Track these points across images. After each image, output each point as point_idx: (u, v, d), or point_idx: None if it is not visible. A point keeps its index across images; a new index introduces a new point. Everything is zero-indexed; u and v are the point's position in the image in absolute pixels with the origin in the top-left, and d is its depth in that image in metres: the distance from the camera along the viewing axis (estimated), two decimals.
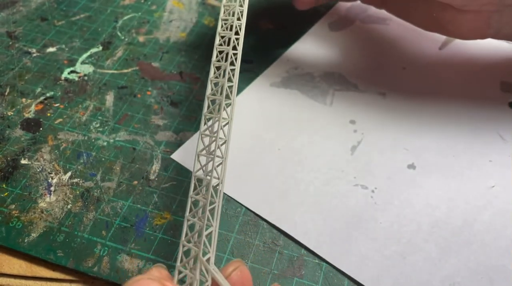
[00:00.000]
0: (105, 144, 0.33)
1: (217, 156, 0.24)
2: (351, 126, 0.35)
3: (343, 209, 0.30)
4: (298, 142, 0.33)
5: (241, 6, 0.29)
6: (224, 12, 0.29)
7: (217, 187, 0.24)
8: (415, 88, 0.37)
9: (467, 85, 0.37)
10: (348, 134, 0.34)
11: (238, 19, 0.28)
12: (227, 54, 0.27)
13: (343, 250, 0.28)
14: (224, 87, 0.26)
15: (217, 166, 0.24)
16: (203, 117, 0.26)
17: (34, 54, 0.39)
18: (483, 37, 0.34)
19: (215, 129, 0.25)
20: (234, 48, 0.27)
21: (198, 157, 0.25)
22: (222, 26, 0.29)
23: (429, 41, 0.41)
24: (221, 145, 0.24)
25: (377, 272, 0.27)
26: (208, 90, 0.27)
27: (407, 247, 0.28)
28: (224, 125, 0.25)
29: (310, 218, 0.29)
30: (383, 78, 0.38)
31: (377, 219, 0.29)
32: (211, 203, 0.23)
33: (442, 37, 0.41)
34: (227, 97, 0.26)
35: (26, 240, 0.28)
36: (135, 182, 0.31)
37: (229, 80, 0.26)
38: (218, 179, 0.24)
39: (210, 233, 0.22)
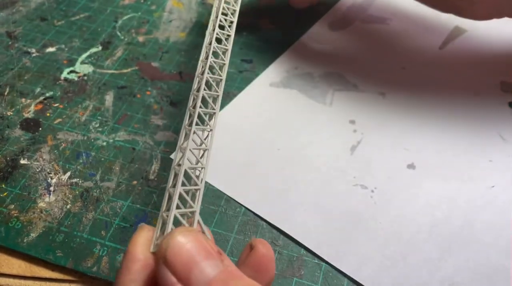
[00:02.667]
0: (104, 143, 0.33)
1: (198, 167, 0.23)
2: (350, 126, 0.34)
3: (343, 209, 0.30)
4: (298, 142, 0.33)
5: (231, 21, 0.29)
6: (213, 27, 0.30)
7: (200, 175, 0.23)
8: (415, 88, 0.37)
9: (467, 85, 0.37)
10: (347, 134, 0.34)
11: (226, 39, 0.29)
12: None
13: (343, 250, 0.28)
14: (198, 99, 0.25)
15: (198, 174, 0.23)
16: (178, 148, 0.24)
17: (34, 54, 0.39)
18: (498, 17, 0.35)
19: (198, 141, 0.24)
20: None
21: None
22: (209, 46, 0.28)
23: (429, 40, 0.41)
24: (201, 156, 0.24)
25: (376, 272, 0.27)
26: (190, 103, 0.26)
27: (406, 247, 0.28)
28: (207, 135, 0.25)
29: (309, 218, 0.29)
30: (383, 78, 0.38)
31: (377, 219, 0.29)
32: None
33: (442, 37, 0.41)
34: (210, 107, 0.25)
35: (25, 240, 0.28)
36: (135, 182, 0.31)
37: (215, 90, 0.26)
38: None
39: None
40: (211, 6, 0.45)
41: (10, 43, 0.40)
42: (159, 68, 0.39)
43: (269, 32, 0.42)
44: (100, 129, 0.34)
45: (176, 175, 0.22)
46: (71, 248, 0.28)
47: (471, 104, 0.36)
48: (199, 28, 0.43)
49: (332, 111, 0.35)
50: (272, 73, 0.38)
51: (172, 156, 0.32)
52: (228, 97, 0.36)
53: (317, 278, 0.27)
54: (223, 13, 0.30)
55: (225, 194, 0.31)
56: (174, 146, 0.33)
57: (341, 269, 0.27)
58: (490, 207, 0.30)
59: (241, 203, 0.30)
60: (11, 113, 0.35)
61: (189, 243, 0.17)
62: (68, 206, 0.30)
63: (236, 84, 0.37)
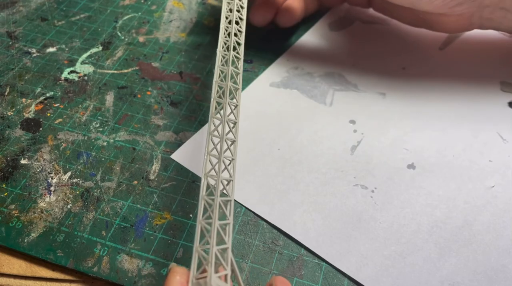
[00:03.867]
0: (105, 143, 0.33)
1: (226, 157, 0.24)
2: (351, 126, 0.35)
3: (343, 209, 0.30)
4: (298, 142, 0.33)
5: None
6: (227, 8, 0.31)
7: (228, 185, 0.24)
8: (415, 88, 0.37)
9: (467, 85, 0.37)
10: (348, 134, 0.34)
11: (238, 10, 0.31)
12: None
13: (343, 250, 0.28)
14: (228, 74, 0.27)
15: (228, 164, 0.24)
16: (210, 117, 0.25)
17: (34, 54, 0.39)
18: (468, 30, 0.37)
19: (223, 130, 0.25)
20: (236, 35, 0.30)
21: (209, 157, 0.24)
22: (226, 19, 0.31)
23: (429, 41, 0.41)
24: (230, 145, 0.25)
25: (376, 272, 0.27)
26: (216, 77, 0.27)
27: (406, 247, 0.28)
28: (234, 109, 0.26)
29: (309, 218, 0.29)
30: (383, 78, 0.38)
31: (377, 219, 0.29)
32: (225, 202, 0.23)
33: (442, 37, 0.41)
34: (234, 83, 0.27)
35: (26, 240, 0.28)
36: (135, 182, 0.31)
37: (235, 67, 0.28)
38: (231, 177, 0.24)
39: (227, 225, 0.22)
40: (212, 6, 0.45)
41: (10, 43, 0.40)
42: (159, 68, 0.39)
43: (269, 32, 0.42)
44: (100, 129, 0.34)
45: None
46: (72, 248, 0.28)
47: (471, 104, 0.36)
48: (199, 28, 0.43)
49: (332, 111, 0.36)
50: (272, 73, 0.38)
51: (172, 156, 0.32)
52: None
53: (317, 278, 0.27)
54: (236, 10, 0.32)
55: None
56: (174, 146, 0.33)
57: (341, 269, 0.27)
58: (490, 207, 0.30)
59: (241, 203, 0.30)
60: (12, 113, 0.35)
61: None
62: (68, 206, 0.30)
63: None
